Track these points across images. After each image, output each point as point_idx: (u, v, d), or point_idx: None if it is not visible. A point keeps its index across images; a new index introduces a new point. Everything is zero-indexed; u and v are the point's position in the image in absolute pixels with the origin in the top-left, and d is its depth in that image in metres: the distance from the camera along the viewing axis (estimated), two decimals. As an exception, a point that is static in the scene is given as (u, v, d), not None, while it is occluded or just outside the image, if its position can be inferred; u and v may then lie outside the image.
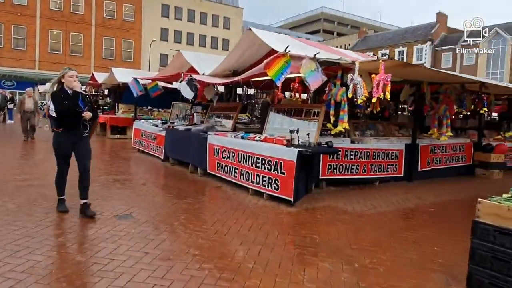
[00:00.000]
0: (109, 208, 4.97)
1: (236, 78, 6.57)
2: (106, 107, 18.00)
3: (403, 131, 9.35)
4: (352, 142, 7.32)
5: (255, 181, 6.08)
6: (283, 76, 5.23)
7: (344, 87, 6.00)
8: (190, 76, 7.56)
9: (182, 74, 7.75)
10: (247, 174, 6.25)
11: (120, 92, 15.64)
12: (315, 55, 5.48)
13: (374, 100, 5.32)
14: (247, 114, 8.43)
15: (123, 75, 13.97)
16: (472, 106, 8.44)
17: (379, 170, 7.65)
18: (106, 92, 17.14)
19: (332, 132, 6.43)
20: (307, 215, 5.16)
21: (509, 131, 9.98)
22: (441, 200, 6.63)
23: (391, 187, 7.45)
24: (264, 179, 5.88)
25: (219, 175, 7.06)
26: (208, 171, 7.37)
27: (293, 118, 6.69)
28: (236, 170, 6.53)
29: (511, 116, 10.67)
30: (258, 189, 6.01)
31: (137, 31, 41.75)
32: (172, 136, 8.74)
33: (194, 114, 9.18)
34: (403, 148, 8.07)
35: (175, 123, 9.60)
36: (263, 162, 5.90)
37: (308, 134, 5.66)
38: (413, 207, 6.02)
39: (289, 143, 5.73)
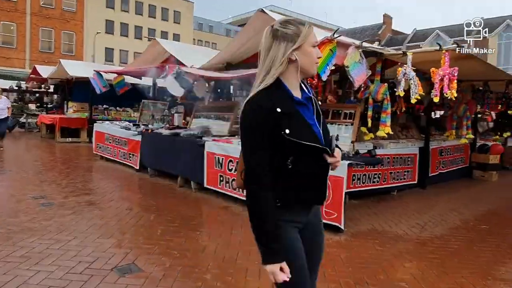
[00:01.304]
0: (98, 254, 3.47)
1: (254, 71, 5.24)
2: (51, 105, 15.61)
3: (405, 132, 8.65)
4: (374, 147, 6.34)
5: (279, 200, 4.81)
6: (328, 68, 4.04)
7: (385, 84, 4.95)
8: (179, 69, 6.07)
9: (167, 67, 6.24)
10: (267, 191, 4.96)
11: (69, 88, 13.48)
12: (361, 43, 4.35)
13: (436, 99, 4.31)
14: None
15: (75, 69, 11.90)
16: (499, 106, 7.83)
17: (397, 178, 6.78)
18: (51, 88, 14.79)
19: (367, 138, 5.36)
20: (362, 246, 4.03)
21: (506, 131, 9.67)
22: (480, 213, 5.84)
23: (412, 197, 6.64)
24: (293, 198, 4.64)
25: (222, 191, 5.70)
26: (205, 185, 5.99)
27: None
28: (249, 186, 5.22)
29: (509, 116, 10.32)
30: (284, 211, 4.76)
31: (79, 22, 38.12)
32: (152, 141, 7.16)
33: (175, 115, 7.67)
34: (417, 152, 7.27)
35: (150, 126, 8.03)
36: (292, 177, 4.66)
37: (352, 142, 4.52)
38: (462, 225, 5.13)
39: (327, 153, 4.55)
